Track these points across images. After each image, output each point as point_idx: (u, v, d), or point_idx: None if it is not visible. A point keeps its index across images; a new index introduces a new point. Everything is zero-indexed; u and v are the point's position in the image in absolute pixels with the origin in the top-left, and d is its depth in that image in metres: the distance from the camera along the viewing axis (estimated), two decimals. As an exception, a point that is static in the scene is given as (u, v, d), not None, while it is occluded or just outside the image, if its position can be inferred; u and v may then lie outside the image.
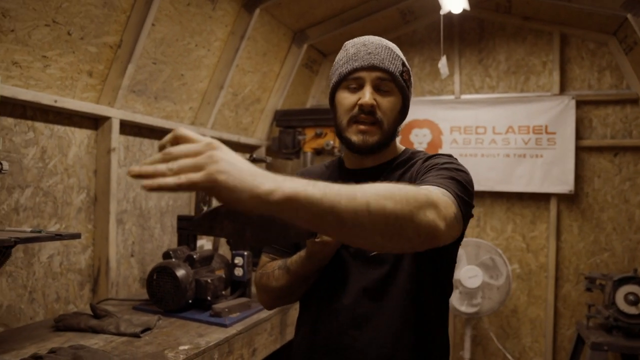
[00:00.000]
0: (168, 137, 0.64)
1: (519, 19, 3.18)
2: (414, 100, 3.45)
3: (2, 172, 1.26)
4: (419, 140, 3.44)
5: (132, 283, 2.22)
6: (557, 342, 3.14)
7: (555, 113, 3.05)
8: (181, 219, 2.05)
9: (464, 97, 3.35)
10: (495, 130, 3.21)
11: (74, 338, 1.50)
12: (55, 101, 1.77)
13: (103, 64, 1.96)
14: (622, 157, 3.06)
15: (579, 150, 3.07)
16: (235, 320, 1.72)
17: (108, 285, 1.99)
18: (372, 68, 1.06)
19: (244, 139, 3.04)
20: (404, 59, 1.12)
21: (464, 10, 2.71)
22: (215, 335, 1.58)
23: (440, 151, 3.36)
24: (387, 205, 0.69)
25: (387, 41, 1.13)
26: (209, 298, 1.78)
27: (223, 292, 1.90)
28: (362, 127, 1.06)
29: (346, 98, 1.08)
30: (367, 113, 1.05)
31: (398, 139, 1.18)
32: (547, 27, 3.15)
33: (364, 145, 1.06)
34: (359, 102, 1.05)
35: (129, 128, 2.18)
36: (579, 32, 3.09)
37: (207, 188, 0.59)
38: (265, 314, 1.86)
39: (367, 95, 1.04)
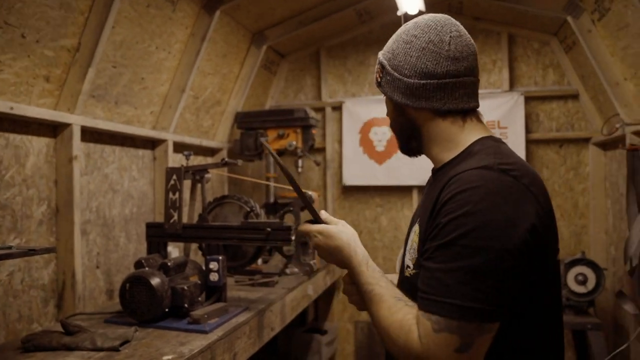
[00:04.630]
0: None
1: (470, 19, 3.32)
2: (372, 100, 3.52)
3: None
4: (378, 138, 3.51)
5: (99, 295, 2.13)
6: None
7: (507, 108, 3.21)
8: (150, 227, 2.00)
9: (420, 95, 3.45)
10: (451, 127, 3.33)
11: (46, 358, 1.43)
12: (12, 108, 1.67)
13: (60, 68, 1.87)
14: (566, 148, 3.27)
15: (529, 143, 3.25)
16: (214, 325, 1.69)
17: (75, 299, 1.91)
18: None
19: (205, 142, 2.99)
20: (381, 57, 1.06)
21: (420, 11, 2.79)
22: (197, 342, 1.56)
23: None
24: (385, 339, 0.90)
25: (388, 42, 1.07)
26: (186, 305, 1.74)
27: (199, 299, 1.87)
28: None
29: None
30: None
31: (466, 132, 0.98)
32: (496, 27, 3.31)
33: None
34: None
35: (89, 135, 2.09)
36: (524, 32, 3.27)
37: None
38: (243, 317, 1.84)
39: None
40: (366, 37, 3.57)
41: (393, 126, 1.09)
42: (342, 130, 3.58)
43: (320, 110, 3.64)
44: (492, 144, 0.95)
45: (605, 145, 3.09)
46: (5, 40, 1.63)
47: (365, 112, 3.52)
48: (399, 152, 3.74)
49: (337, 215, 3.66)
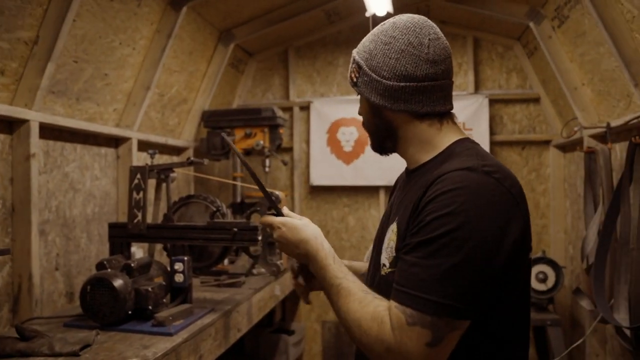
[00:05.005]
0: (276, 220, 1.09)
1: (436, 22, 3.33)
2: (340, 100, 3.53)
3: None
4: (346, 138, 3.53)
5: (58, 298, 2.06)
6: (478, 323, 3.39)
7: (472, 110, 3.28)
8: (113, 227, 1.94)
9: (388, 96, 3.49)
10: (418, 128, 3.38)
11: (2, 363, 1.36)
12: (-36, 103, 1.59)
13: (17, 62, 1.80)
14: (528, 150, 3.37)
15: (493, 144, 3.33)
16: (179, 327, 1.66)
17: (31, 303, 1.83)
18: None
19: (171, 141, 2.93)
20: (356, 56, 1.04)
21: (388, 13, 2.82)
22: (162, 345, 1.52)
23: (367, 149, 3.46)
24: (355, 331, 0.89)
25: (362, 41, 1.06)
26: (150, 307, 1.70)
27: (164, 300, 1.83)
28: None
29: None
30: None
31: (442, 134, 0.99)
32: (462, 31, 3.38)
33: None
34: None
35: (48, 131, 2.01)
36: (489, 36, 3.35)
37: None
38: (208, 319, 1.81)
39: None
40: (335, 37, 3.58)
41: (367, 126, 1.08)
42: (310, 130, 3.58)
43: (288, 110, 3.63)
44: (471, 146, 0.97)
45: (565, 148, 3.21)
46: (-44, 31, 1.55)
47: (333, 112, 3.53)
48: (366, 152, 3.75)
49: (305, 215, 3.66)
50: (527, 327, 0.97)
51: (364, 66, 1.01)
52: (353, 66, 1.04)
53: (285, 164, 3.24)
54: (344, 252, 3.57)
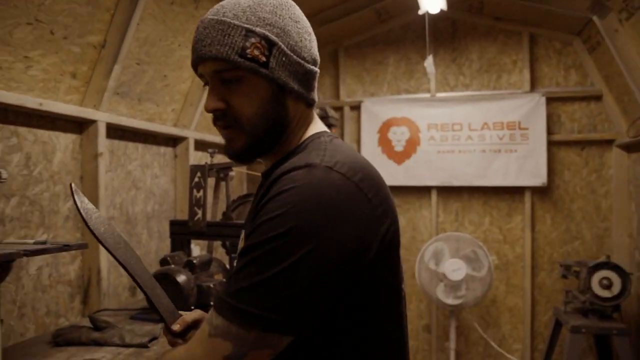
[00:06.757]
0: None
1: (490, 19, 3.29)
2: (390, 99, 3.49)
3: (1, 181, 1.18)
4: (397, 138, 3.49)
5: (122, 292, 2.14)
6: (534, 327, 3.27)
7: (527, 109, 3.18)
8: (174, 224, 2.00)
9: (439, 95, 3.43)
10: (471, 127, 3.30)
11: (78, 353, 1.43)
12: (41, 104, 1.68)
13: (87, 65, 1.88)
14: (588, 150, 3.22)
15: (550, 144, 3.21)
16: (240, 324, 1.69)
17: (100, 295, 1.91)
18: (201, 60, 0.79)
19: (225, 141, 2.99)
20: (251, 25, 0.77)
21: (441, 10, 2.77)
22: (224, 340, 1.55)
23: (419, 149, 3.41)
24: None
25: (228, 6, 0.79)
26: (212, 303, 1.74)
27: (223, 297, 1.86)
28: (224, 132, 0.83)
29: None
30: (217, 119, 0.82)
31: (313, 125, 0.87)
32: (517, 27, 3.27)
33: (231, 155, 0.84)
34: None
35: (112, 131, 2.10)
36: (546, 32, 3.22)
37: None
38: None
39: (207, 100, 0.81)
40: (385, 36, 3.55)
41: (261, 118, 0.80)
42: (361, 129, 3.57)
43: (339, 109, 3.62)
44: (325, 140, 0.82)
45: (629, 148, 3.04)
46: (35, 37, 1.64)
47: (384, 111, 3.50)
48: (418, 152, 3.66)
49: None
50: (397, 354, 0.81)
51: (281, 44, 0.79)
52: (254, 40, 0.77)
53: (335, 163, 3.23)
54: (393, 253, 3.53)
